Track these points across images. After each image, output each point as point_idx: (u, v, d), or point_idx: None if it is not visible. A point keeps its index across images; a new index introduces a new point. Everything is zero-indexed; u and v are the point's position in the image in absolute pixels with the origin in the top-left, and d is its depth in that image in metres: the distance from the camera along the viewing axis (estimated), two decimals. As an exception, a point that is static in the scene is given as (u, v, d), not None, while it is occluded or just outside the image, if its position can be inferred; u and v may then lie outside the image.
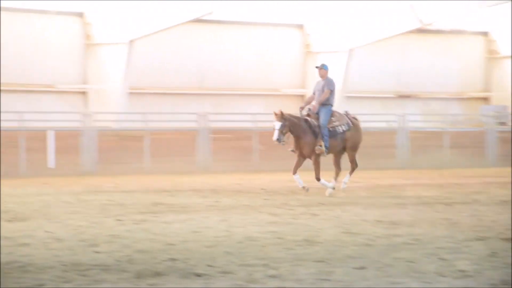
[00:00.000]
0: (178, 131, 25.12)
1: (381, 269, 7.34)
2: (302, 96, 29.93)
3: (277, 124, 14.49)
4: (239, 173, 21.73)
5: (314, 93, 15.16)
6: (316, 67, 15.30)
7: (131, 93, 26.54)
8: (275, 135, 14.45)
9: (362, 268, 7.40)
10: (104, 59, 26.63)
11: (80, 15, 26.73)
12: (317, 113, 14.97)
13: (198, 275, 7.07)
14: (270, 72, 29.29)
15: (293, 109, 29.71)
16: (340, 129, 15.08)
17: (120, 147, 24.08)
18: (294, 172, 14.87)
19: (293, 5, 29.10)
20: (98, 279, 6.89)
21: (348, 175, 15.38)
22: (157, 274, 7.09)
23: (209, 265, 7.51)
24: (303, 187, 14.85)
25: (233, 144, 24.83)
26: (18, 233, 9.72)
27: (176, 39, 27.61)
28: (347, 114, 15.47)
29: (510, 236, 9.31)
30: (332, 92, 15.01)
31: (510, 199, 13.96)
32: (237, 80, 28.69)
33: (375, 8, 28.45)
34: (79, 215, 11.71)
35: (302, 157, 14.89)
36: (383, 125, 28.48)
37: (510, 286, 6.74)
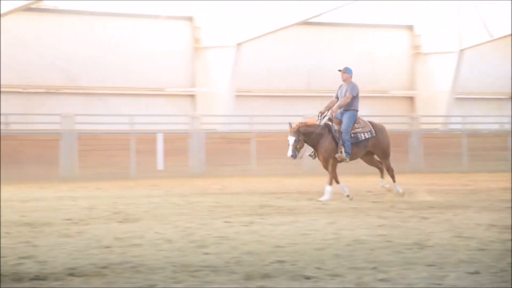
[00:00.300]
0: (284, 133, 25.08)
1: (496, 275, 7.11)
2: (411, 98, 29.56)
3: (291, 139, 14.11)
4: (345, 175, 21.47)
5: (336, 98, 14.74)
6: (339, 70, 14.72)
7: (238, 95, 26.70)
8: (290, 151, 14.05)
9: (476, 273, 7.19)
10: (212, 62, 26.87)
11: (190, 19, 27.04)
12: (341, 118, 14.59)
13: (307, 278, 7.01)
14: (377, 74, 28.99)
15: (401, 111, 29.66)
16: (362, 136, 14.60)
17: (227, 149, 24.26)
18: (337, 181, 14.54)
19: (401, 6, 28.73)
20: (207, 280, 6.90)
21: (394, 183, 14.96)
22: (266, 276, 7.06)
23: (317, 268, 7.43)
24: (348, 196, 14.53)
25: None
26: (129, 234, 9.85)
27: (283, 42, 27.64)
28: (371, 123, 14.98)
29: None
30: (355, 97, 14.50)
31: None
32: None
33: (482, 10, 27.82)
34: (187, 217, 11.80)
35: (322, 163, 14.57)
36: (495, 127, 27.81)
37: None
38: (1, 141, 21.15)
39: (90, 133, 22.97)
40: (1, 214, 12.08)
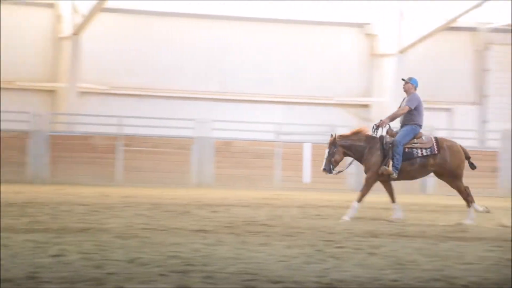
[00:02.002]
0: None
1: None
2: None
3: (326, 152, 12.71)
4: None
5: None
6: (402, 79, 12.90)
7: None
8: (323, 164, 12.65)
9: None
10: (386, 70, 25.36)
11: (361, 25, 25.72)
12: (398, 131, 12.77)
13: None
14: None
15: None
16: (419, 152, 12.64)
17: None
18: (392, 201, 12.75)
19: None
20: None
21: (469, 208, 12.71)
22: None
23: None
24: (397, 218, 12.62)
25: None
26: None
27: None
28: (436, 139, 12.86)
29: None
30: (413, 110, 12.62)
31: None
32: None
33: None
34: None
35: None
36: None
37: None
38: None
39: (224, 139, 22.32)
40: None
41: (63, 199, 12.74)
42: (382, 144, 12.58)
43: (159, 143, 21.85)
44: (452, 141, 13.10)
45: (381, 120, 12.74)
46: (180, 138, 21.99)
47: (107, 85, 23.14)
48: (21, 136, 20.58)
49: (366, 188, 12.59)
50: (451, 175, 12.76)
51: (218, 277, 6.77)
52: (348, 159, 13.02)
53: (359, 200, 12.58)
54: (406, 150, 12.58)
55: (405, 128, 12.69)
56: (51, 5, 23.67)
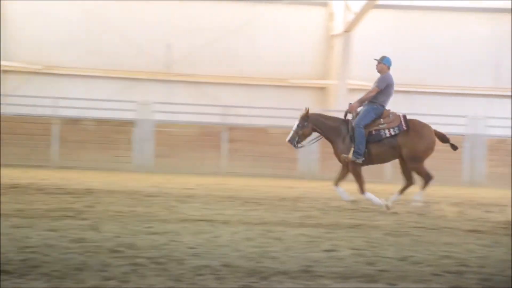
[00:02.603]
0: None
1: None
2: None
3: (295, 124, 12.09)
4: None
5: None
6: (375, 59, 12.07)
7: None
8: (289, 135, 12.03)
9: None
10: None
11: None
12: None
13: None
14: None
15: None
16: (387, 132, 11.79)
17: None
18: (336, 183, 12.05)
19: None
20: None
21: (420, 190, 12.03)
22: None
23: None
24: (351, 201, 11.96)
25: None
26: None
27: None
28: (404, 116, 11.94)
29: None
30: (383, 91, 11.86)
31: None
32: None
33: None
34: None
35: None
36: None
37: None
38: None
39: (498, 136, 21.48)
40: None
41: (332, 195, 12.83)
42: (348, 129, 11.98)
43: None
44: (424, 123, 12.18)
45: (350, 103, 12.09)
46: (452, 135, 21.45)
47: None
48: (293, 133, 21.09)
49: (356, 176, 11.92)
50: (414, 156, 11.91)
51: (496, 280, 6.49)
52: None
53: (362, 191, 11.89)
54: (374, 132, 11.91)
55: (365, 109, 11.98)
56: (324, 4, 24.09)
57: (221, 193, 13.59)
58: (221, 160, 20.53)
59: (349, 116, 12.08)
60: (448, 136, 12.35)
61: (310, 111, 12.30)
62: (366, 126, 11.92)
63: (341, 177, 12.17)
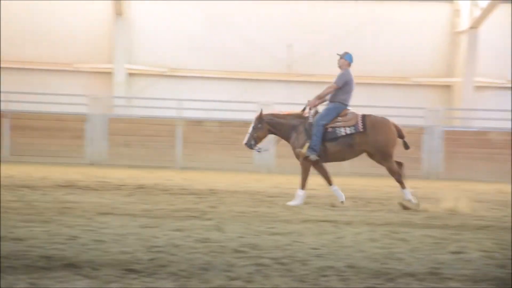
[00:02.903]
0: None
1: None
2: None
3: (251, 126, 12.03)
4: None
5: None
6: (338, 54, 11.92)
7: None
8: (245, 138, 11.97)
9: None
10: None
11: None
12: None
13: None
14: None
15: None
16: (342, 131, 11.63)
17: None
18: (329, 184, 11.84)
19: None
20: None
21: (403, 190, 11.63)
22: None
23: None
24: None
25: None
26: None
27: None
28: (363, 116, 11.70)
29: None
30: (342, 88, 11.68)
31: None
32: None
33: None
34: None
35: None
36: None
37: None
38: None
39: None
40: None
41: (457, 195, 12.52)
42: (305, 125, 11.73)
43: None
44: (383, 118, 11.82)
45: (308, 100, 11.82)
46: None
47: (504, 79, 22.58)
48: (417, 132, 20.71)
49: (303, 171, 11.67)
50: (380, 154, 11.65)
51: None
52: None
53: (302, 187, 11.64)
54: (329, 129, 11.68)
55: (327, 107, 11.78)
56: (449, 1, 23.66)
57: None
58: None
59: (308, 113, 11.90)
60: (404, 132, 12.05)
61: (264, 112, 12.20)
62: (326, 125, 11.83)
63: (325, 176, 11.94)
